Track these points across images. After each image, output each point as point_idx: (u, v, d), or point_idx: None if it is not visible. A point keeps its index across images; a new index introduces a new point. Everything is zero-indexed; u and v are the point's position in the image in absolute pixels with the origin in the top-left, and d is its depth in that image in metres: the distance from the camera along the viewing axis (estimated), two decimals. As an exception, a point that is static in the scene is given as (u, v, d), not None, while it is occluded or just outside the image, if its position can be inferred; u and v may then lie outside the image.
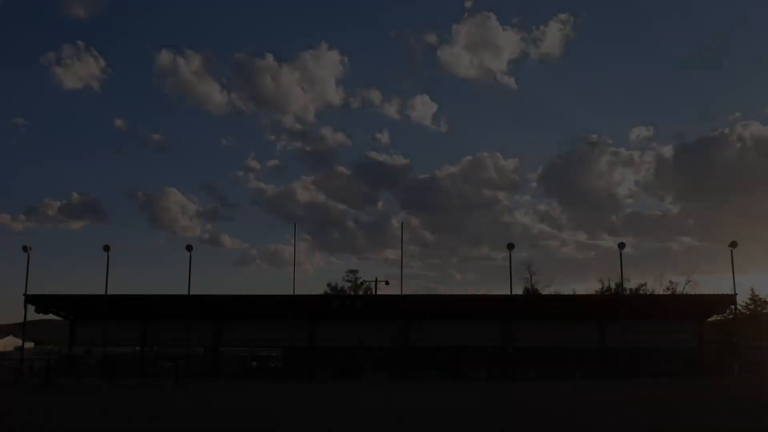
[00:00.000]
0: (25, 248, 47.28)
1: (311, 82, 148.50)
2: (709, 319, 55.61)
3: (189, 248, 47.13)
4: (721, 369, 48.32)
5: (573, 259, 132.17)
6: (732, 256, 46.32)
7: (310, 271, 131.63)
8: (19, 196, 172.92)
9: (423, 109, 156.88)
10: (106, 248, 47.26)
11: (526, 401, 23.44)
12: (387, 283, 74.97)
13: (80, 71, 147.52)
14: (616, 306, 47.47)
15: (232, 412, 19.99)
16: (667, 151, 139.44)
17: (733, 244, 46.41)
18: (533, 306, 53.11)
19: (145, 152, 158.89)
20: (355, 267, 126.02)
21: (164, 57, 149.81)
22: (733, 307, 50.59)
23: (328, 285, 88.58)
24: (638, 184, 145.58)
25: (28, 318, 51.36)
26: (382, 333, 52.77)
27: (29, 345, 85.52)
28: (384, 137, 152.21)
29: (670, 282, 73.96)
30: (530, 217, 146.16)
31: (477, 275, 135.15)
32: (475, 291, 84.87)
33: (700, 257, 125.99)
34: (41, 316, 59.05)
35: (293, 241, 51.07)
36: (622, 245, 46.23)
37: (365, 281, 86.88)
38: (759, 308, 71.91)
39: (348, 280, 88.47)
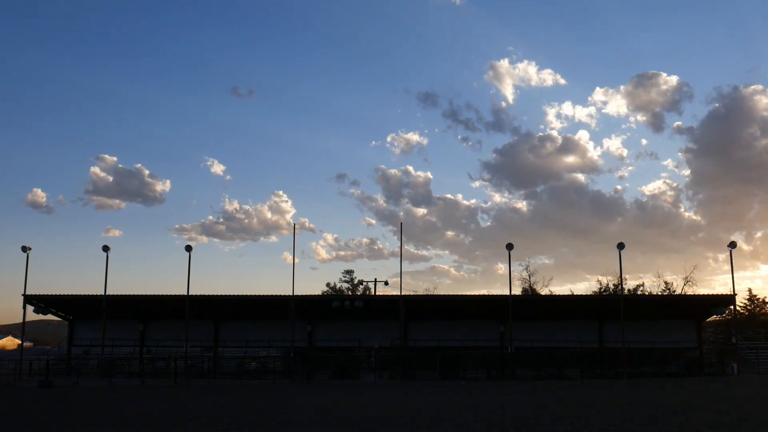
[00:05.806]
0: (24, 248, 47.17)
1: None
2: (708, 319, 55.67)
3: (188, 248, 47.04)
4: (720, 369, 48.42)
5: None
6: (731, 256, 46.32)
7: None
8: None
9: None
10: (105, 248, 47.13)
11: (525, 401, 23.46)
12: (386, 283, 75.09)
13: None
14: (616, 306, 47.47)
15: (230, 413, 19.99)
16: None
17: (732, 244, 46.34)
18: (532, 306, 53.15)
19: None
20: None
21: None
22: (732, 307, 50.58)
23: (327, 285, 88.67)
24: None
25: (28, 318, 51.33)
26: (381, 333, 52.85)
27: (28, 345, 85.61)
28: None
29: (666, 283, 74.03)
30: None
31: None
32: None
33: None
34: (41, 316, 58.97)
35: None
36: (621, 245, 46.13)
37: (363, 281, 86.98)
38: (757, 308, 72.09)
39: (345, 281, 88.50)
